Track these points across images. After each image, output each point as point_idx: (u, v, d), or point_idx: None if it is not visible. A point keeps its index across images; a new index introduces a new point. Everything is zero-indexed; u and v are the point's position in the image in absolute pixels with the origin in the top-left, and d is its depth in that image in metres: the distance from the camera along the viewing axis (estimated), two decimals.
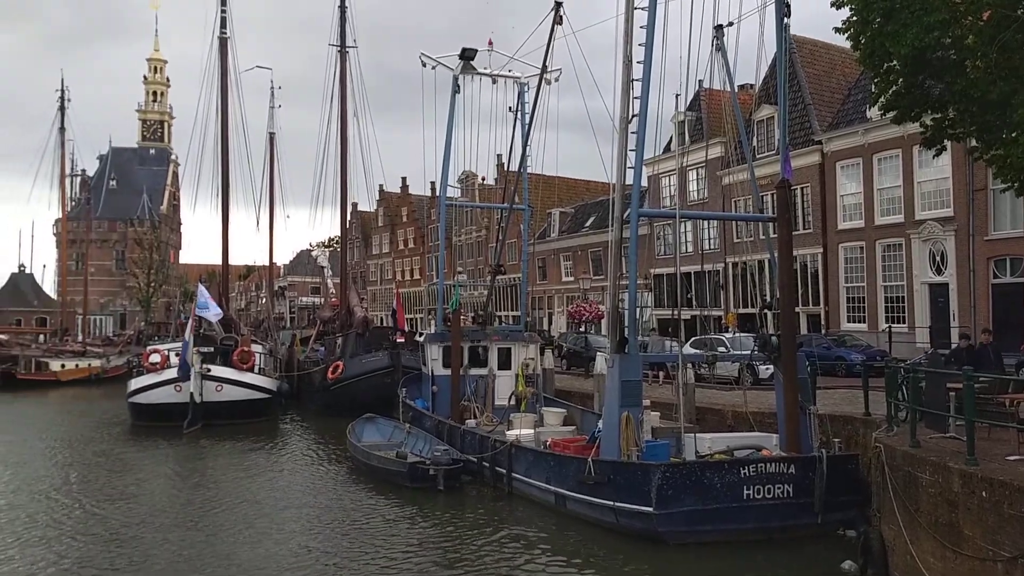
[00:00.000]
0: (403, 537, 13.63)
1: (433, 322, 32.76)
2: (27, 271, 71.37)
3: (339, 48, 39.65)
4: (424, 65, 24.35)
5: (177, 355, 28.64)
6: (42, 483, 18.71)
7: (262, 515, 15.31)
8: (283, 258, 76.94)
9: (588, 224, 50.13)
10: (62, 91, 59.26)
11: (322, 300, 67.63)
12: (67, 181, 63.34)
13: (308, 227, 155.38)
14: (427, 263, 69.86)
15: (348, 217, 47.26)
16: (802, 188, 33.34)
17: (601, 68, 17.48)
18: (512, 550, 12.78)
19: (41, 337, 58.19)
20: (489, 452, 17.11)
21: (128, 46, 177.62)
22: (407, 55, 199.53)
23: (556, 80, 22.84)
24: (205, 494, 17.48)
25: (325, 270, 71.00)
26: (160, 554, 12.82)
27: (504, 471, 16.58)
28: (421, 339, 27.10)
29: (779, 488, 12.75)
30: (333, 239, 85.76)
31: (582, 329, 34.78)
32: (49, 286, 74.32)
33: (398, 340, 30.75)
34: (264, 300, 70.60)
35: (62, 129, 59.01)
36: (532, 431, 18.36)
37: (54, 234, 77.43)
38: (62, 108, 59.10)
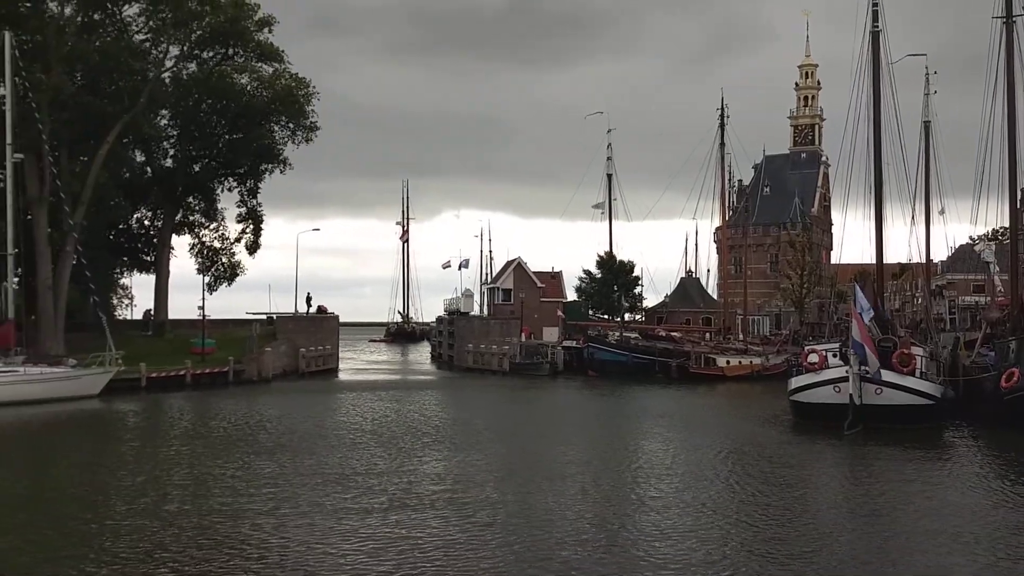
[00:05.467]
0: None
1: None
2: (693, 275, 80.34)
3: (1003, 19, 35.54)
4: None
5: (835, 355, 29.21)
6: (712, 466, 20.95)
7: (928, 530, 14.64)
8: (940, 254, 70.95)
9: None
10: (721, 110, 63.55)
11: (988, 299, 61.03)
12: (726, 192, 69.07)
13: (968, 220, 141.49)
14: None
15: (1019, 204, 41.74)
16: None
17: None
18: None
19: (707, 335, 64.71)
20: None
21: (757, 54, 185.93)
22: None
23: None
24: (868, 501, 17.44)
25: (990, 266, 64.11)
26: (823, 552, 13.28)
27: None
28: None
29: None
30: (999, 230, 76.32)
31: None
32: (711, 288, 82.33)
33: None
34: (920, 300, 66.73)
35: (722, 145, 63.98)
36: None
37: (714, 241, 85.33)
38: (722, 126, 63.73)
